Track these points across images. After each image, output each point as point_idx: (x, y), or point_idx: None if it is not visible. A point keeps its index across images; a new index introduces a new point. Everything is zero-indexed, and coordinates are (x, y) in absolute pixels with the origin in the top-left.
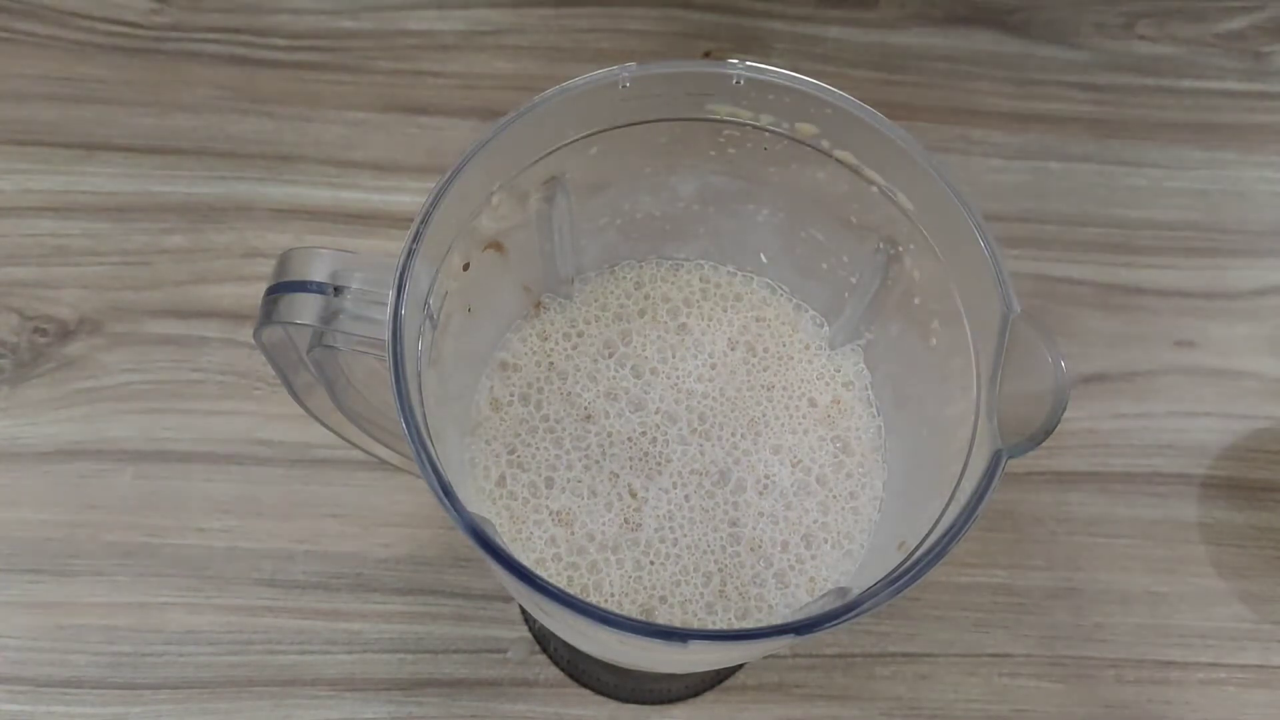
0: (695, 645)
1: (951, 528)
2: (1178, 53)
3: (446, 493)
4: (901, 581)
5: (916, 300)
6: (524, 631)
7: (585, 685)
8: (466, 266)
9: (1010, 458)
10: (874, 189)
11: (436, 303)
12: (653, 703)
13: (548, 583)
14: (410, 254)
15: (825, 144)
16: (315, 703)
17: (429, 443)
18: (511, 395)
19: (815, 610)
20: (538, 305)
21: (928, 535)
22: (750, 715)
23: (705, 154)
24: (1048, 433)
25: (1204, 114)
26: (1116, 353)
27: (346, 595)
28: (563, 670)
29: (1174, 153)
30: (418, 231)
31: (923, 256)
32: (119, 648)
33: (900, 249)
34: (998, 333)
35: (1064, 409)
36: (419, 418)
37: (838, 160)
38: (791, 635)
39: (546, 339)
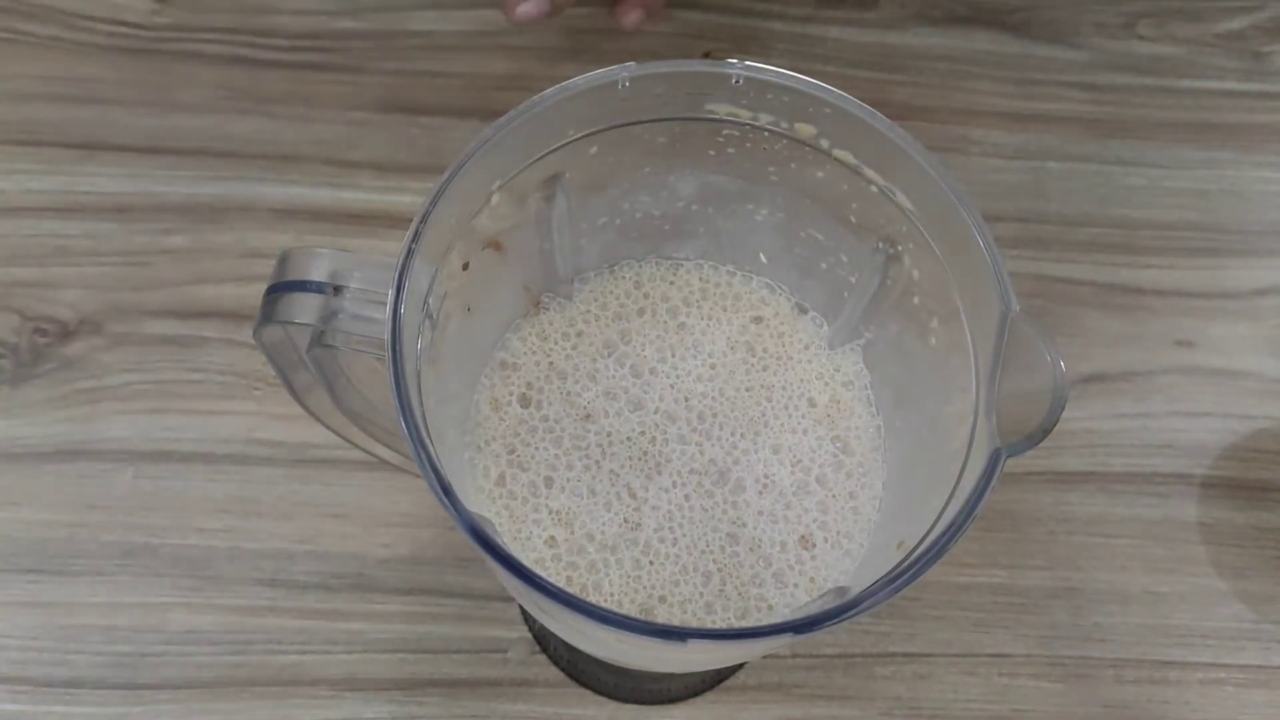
0: (694, 644)
1: (950, 526)
2: (1178, 53)
3: (446, 492)
4: (900, 580)
5: (916, 300)
6: (524, 631)
7: (585, 685)
8: (466, 266)
9: (1009, 457)
10: (873, 188)
11: (436, 302)
12: (652, 703)
13: (547, 582)
14: (410, 253)
15: (824, 144)
16: (316, 703)
17: (428, 442)
18: (511, 395)
19: (815, 609)
20: (537, 305)
21: (927, 534)
22: (750, 715)
23: (704, 154)
24: (1046, 432)
25: (1203, 114)
26: (1116, 353)
27: (347, 595)
28: (563, 670)
29: (1173, 152)
30: (417, 231)
31: (922, 256)
32: (119, 648)
33: (899, 248)
34: (996, 332)
35: (1063, 408)
36: (418, 417)
37: (837, 160)
38: (790, 634)
39: (546, 338)
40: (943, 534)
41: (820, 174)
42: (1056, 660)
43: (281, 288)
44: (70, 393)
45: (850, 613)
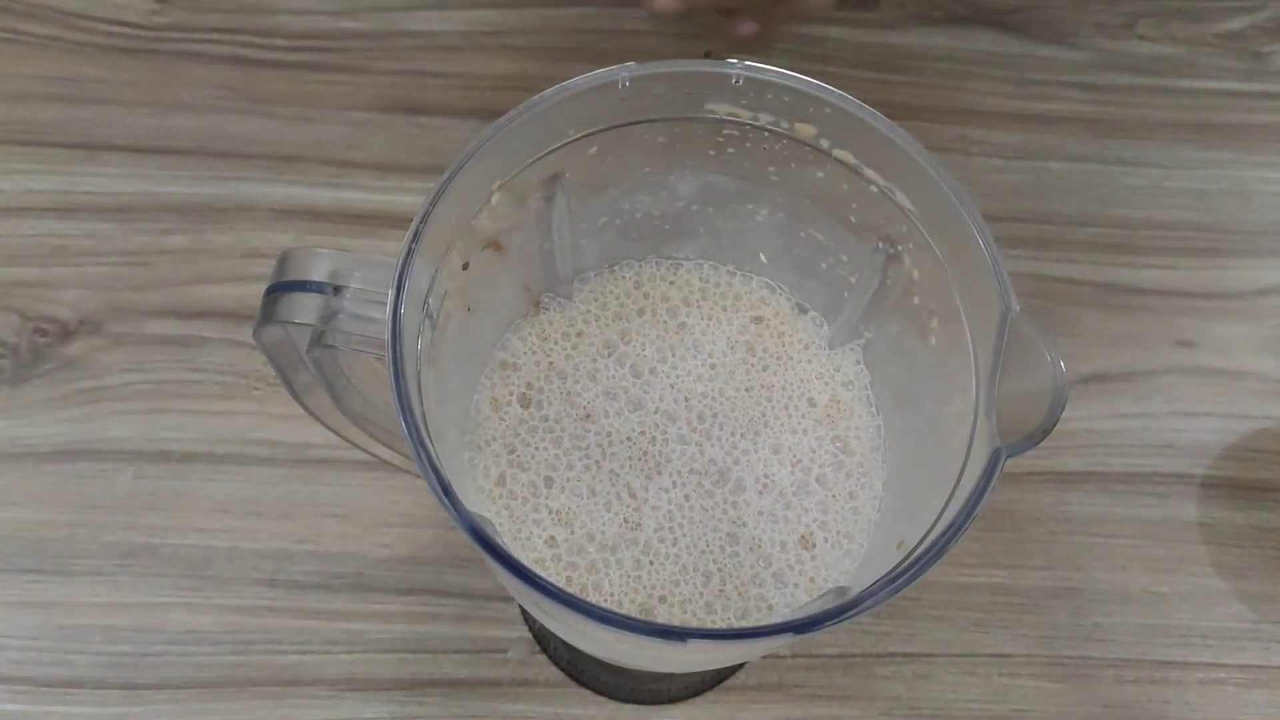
0: (694, 644)
1: (950, 526)
2: (1177, 53)
3: (446, 492)
4: (900, 580)
5: (916, 300)
6: (524, 631)
7: (585, 685)
8: (466, 266)
9: (1009, 456)
10: (873, 188)
11: (436, 302)
12: (652, 703)
13: (547, 582)
14: (410, 253)
15: (824, 144)
16: (316, 703)
17: (428, 442)
18: (511, 395)
19: (815, 609)
20: (537, 305)
21: (927, 534)
22: (750, 715)
23: (704, 154)
24: (1046, 432)
25: (1203, 114)
26: (1116, 353)
27: (347, 595)
28: (563, 670)
29: (1173, 152)
30: (417, 231)
31: (922, 256)
32: (119, 648)
33: (899, 248)
34: (996, 332)
35: (1062, 408)
36: (418, 417)
37: (837, 160)
38: (790, 634)
39: (546, 338)
40: (943, 534)
41: (820, 174)
42: (1056, 660)
43: (281, 288)
44: (70, 393)
45: (850, 613)
